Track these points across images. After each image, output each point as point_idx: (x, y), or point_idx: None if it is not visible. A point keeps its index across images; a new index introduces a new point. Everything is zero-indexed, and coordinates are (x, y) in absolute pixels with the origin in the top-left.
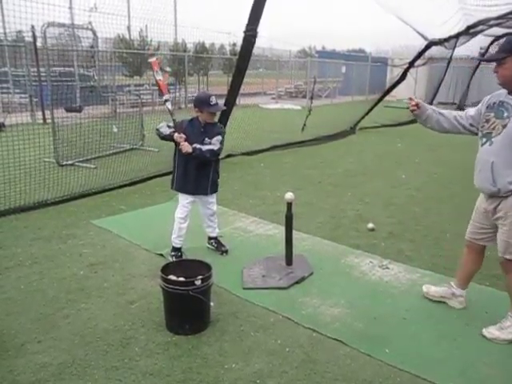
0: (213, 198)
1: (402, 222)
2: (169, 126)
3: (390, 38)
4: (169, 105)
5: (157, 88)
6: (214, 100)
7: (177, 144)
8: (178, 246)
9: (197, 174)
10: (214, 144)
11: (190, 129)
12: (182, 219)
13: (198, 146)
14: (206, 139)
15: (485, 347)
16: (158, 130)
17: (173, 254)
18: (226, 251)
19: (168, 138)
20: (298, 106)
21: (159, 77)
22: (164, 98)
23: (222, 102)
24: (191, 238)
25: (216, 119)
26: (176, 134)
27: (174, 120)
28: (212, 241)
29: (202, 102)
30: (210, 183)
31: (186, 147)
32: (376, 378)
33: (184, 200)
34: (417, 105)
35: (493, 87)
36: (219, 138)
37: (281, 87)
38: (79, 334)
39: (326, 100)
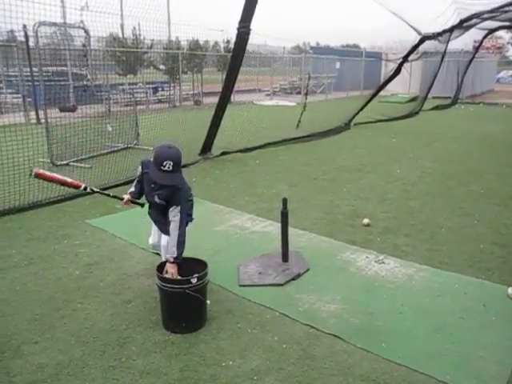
0: None
1: (397, 217)
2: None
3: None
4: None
5: (151, 86)
6: (167, 165)
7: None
8: None
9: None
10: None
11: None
12: None
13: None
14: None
15: (480, 341)
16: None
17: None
18: None
19: None
20: (292, 102)
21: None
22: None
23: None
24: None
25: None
26: None
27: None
28: None
29: (153, 161)
30: None
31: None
32: (373, 373)
33: None
34: None
35: (486, 81)
36: (179, 208)
37: (275, 84)
38: (76, 334)
39: (320, 96)
